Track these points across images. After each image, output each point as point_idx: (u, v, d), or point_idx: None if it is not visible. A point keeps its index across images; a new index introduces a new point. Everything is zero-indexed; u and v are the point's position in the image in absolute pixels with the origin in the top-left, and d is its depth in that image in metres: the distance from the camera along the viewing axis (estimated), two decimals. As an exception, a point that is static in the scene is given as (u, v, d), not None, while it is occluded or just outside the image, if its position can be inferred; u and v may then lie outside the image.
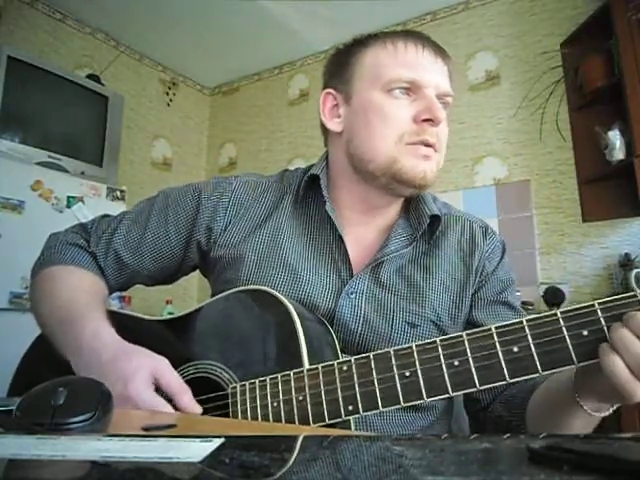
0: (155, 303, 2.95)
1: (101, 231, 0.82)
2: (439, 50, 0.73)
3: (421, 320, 0.72)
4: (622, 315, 0.46)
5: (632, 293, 0.47)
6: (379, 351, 0.54)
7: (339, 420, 0.54)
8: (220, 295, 0.70)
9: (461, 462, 0.28)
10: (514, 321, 0.50)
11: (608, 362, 0.45)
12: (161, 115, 3.51)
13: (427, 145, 0.70)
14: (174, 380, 0.59)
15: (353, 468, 0.29)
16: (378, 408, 0.52)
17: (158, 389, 0.59)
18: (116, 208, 2.12)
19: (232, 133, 3.73)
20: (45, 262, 0.79)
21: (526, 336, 0.49)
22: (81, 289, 0.74)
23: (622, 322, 0.46)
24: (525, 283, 2.33)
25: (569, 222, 2.39)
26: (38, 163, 2.28)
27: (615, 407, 0.55)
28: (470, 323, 0.76)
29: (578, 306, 0.48)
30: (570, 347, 0.47)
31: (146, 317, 0.78)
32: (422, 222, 0.76)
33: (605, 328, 0.47)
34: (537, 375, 0.48)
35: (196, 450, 0.30)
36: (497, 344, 0.49)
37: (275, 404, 0.56)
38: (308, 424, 0.54)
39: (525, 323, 0.49)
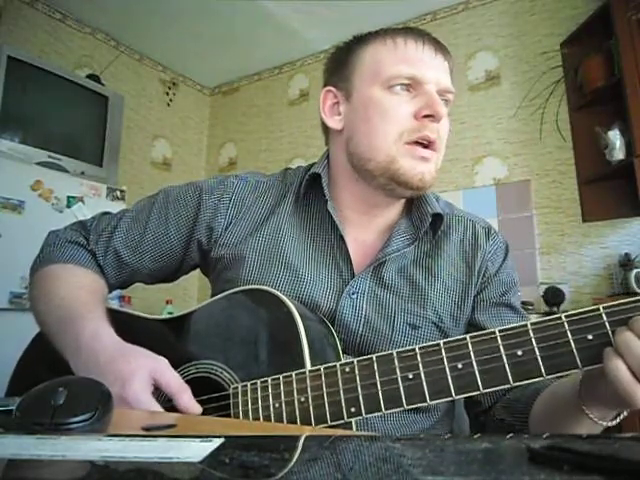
0: (155, 303, 2.95)
1: (101, 229, 0.81)
2: (439, 46, 0.73)
3: (422, 321, 0.72)
4: (628, 319, 0.46)
5: (638, 297, 0.46)
6: (382, 353, 0.54)
7: (341, 422, 0.53)
8: (221, 295, 0.70)
9: (461, 462, 0.28)
10: (518, 324, 0.49)
11: (611, 366, 0.45)
12: (161, 115, 3.51)
13: (427, 145, 0.69)
14: (174, 380, 0.59)
15: (353, 468, 0.29)
16: (381, 410, 0.52)
17: (158, 389, 0.59)
18: (116, 208, 2.10)
19: (232, 133, 3.73)
20: (44, 260, 0.79)
21: (530, 340, 0.48)
22: (80, 287, 0.73)
23: (627, 326, 0.45)
24: (525, 283, 2.33)
25: (569, 222, 2.39)
26: (38, 163, 2.28)
27: (621, 417, 0.54)
28: (472, 325, 0.76)
29: (583, 310, 0.48)
30: (575, 351, 0.47)
31: (146, 316, 0.77)
32: (424, 221, 0.75)
33: (610, 332, 0.46)
34: (541, 379, 0.48)
35: (196, 450, 0.30)
36: (501, 347, 0.49)
37: (277, 405, 0.56)
38: (310, 425, 0.54)
39: (529, 327, 0.49)
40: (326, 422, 0.54)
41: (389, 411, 0.52)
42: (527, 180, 2.51)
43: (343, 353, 0.66)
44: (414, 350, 0.52)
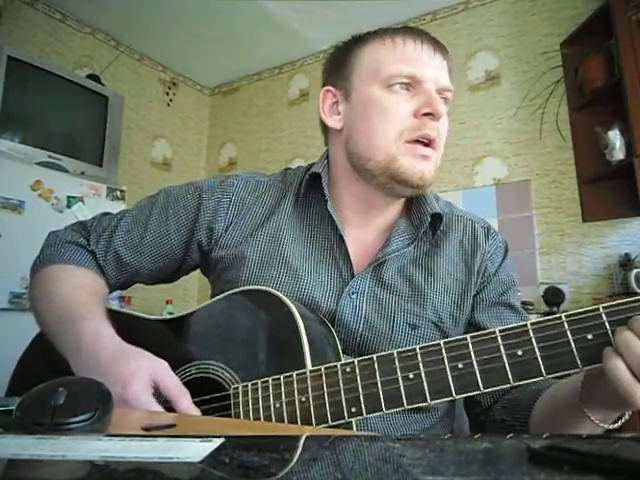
0: (155, 303, 2.95)
1: (101, 229, 0.81)
2: (438, 45, 0.73)
3: (422, 321, 0.72)
4: (627, 319, 0.46)
5: (638, 297, 0.46)
6: (382, 353, 0.54)
7: (342, 422, 0.53)
8: (221, 295, 0.70)
9: (461, 462, 0.28)
10: (518, 324, 0.50)
11: (611, 365, 0.45)
12: (161, 115, 3.51)
13: (426, 143, 0.70)
14: (173, 383, 0.59)
15: (353, 468, 0.29)
16: (381, 410, 0.52)
17: (157, 392, 0.59)
18: (116, 208, 2.11)
19: (232, 133, 3.74)
20: (44, 260, 0.79)
21: (530, 339, 0.48)
22: (80, 288, 0.73)
23: (627, 326, 0.45)
24: (525, 283, 2.33)
25: (569, 222, 2.39)
26: (38, 163, 2.28)
27: (623, 420, 0.54)
28: (472, 324, 0.76)
29: (583, 310, 0.48)
30: (574, 351, 0.47)
31: (147, 316, 0.77)
32: (424, 220, 0.76)
33: (610, 332, 0.46)
34: (541, 379, 0.48)
35: (196, 450, 0.30)
36: (501, 347, 0.49)
37: (277, 405, 0.56)
38: (311, 425, 0.54)
39: (529, 326, 0.49)
40: (327, 422, 0.54)
41: (390, 411, 0.52)
42: (527, 180, 2.51)
43: (343, 353, 0.66)
44: (414, 350, 0.52)
